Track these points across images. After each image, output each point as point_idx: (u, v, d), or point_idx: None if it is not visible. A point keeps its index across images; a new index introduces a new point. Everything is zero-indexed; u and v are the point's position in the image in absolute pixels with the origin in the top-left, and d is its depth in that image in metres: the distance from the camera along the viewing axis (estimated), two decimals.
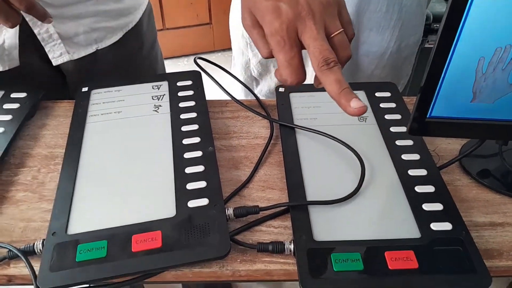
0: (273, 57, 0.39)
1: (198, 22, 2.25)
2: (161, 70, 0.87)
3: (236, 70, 0.89)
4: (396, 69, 0.79)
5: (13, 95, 0.60)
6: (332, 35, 0.36)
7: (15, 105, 0.58)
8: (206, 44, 2.32)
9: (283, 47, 0.36)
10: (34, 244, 0.42)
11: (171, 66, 2.18)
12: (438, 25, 1.69)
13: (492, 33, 0.39)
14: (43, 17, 0.53)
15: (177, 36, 2.25)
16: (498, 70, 0.41)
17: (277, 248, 0.43)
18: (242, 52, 0.84)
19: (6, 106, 0.58)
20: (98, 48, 0.70)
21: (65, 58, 0.67)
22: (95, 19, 0.68)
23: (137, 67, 0.79)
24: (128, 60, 0.77)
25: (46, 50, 0.65)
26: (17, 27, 0.61)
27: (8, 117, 0.56)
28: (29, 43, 0.64)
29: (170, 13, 2.16)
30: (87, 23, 0.67)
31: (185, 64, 2.27)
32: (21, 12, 0.50)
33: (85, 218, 0.44)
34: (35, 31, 0.63)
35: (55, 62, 0.67)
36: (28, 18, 0.61)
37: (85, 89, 0.62)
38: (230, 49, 0.92)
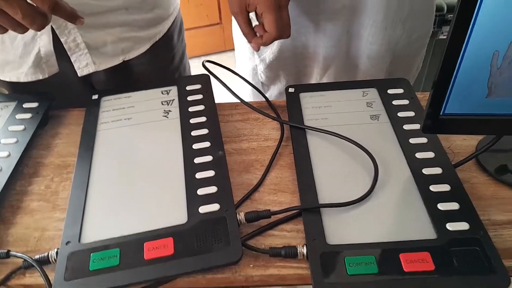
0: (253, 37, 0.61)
1: (208, 22, 2.25)
2: None
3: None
4: (407, 63, 0.77)
5: (25, 105, 0.61)
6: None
7: (28, 115, 0.59)
8: (217, 44, 2.31)
9: (274, 10, 0.55)
10: (48, 253, 0.43)
11: None
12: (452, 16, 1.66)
13: (505, 27, 0.37)
14: (73, 17, 0.50)
15: (188, 37, 2.22)
16: None
17: (290, 253, 0.42)
18: (249, 57, 0.82)
19: (19, 116, 0.59)
20: (125, 59, 0.68)
21: (91, 69, 0.66)
22: (124, 29, 0.66)
23: (168, 79, 0.77)
24: (160, 72, 0.75)
25: (72, 60, 0.64)
26: (50, 35, 0.60)
27: (21, 127, 0.57)
28: (60, 53, 0.63)
29: None
30: (115, 33, 0.65)
31: (197, 65, 2.26)
32: (50, 15, 0.48)
33: (98, 227, 0.45)
34: (62, 40, 0.62)
35: (80, 73, 0.65)
36: (55, 25, 0.60)
37: (95, 96, 0.62)
38: None
